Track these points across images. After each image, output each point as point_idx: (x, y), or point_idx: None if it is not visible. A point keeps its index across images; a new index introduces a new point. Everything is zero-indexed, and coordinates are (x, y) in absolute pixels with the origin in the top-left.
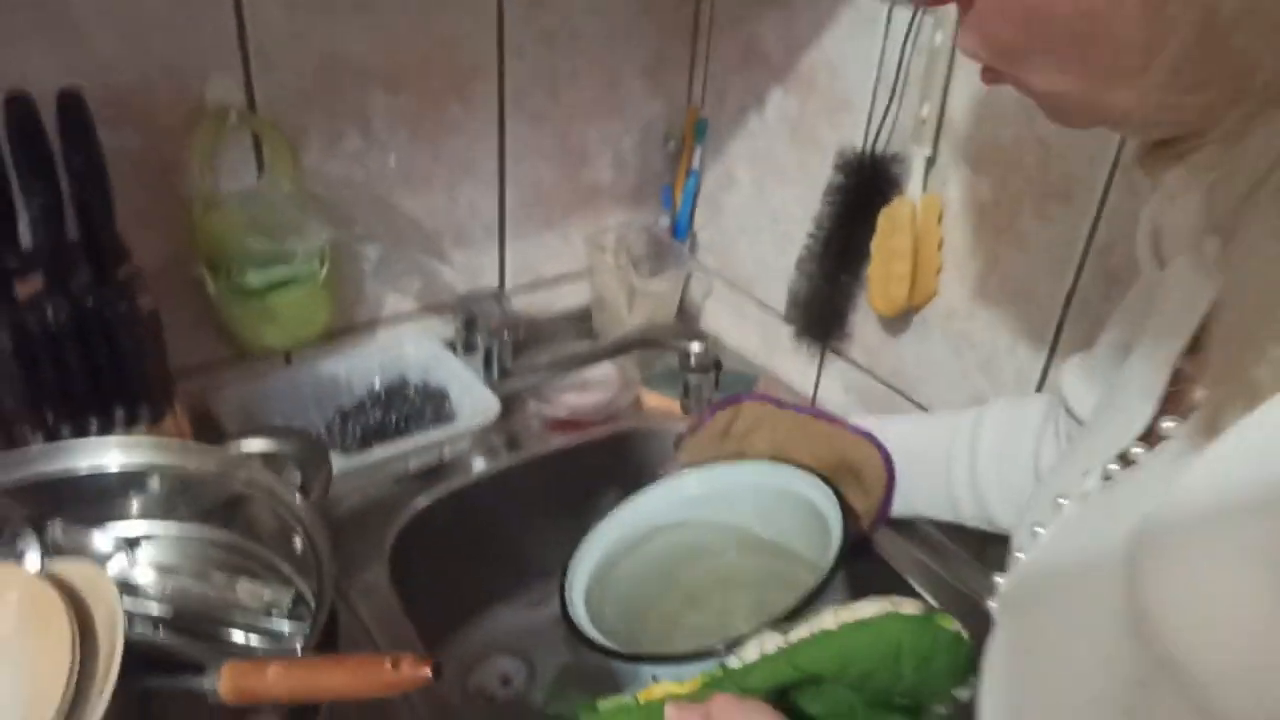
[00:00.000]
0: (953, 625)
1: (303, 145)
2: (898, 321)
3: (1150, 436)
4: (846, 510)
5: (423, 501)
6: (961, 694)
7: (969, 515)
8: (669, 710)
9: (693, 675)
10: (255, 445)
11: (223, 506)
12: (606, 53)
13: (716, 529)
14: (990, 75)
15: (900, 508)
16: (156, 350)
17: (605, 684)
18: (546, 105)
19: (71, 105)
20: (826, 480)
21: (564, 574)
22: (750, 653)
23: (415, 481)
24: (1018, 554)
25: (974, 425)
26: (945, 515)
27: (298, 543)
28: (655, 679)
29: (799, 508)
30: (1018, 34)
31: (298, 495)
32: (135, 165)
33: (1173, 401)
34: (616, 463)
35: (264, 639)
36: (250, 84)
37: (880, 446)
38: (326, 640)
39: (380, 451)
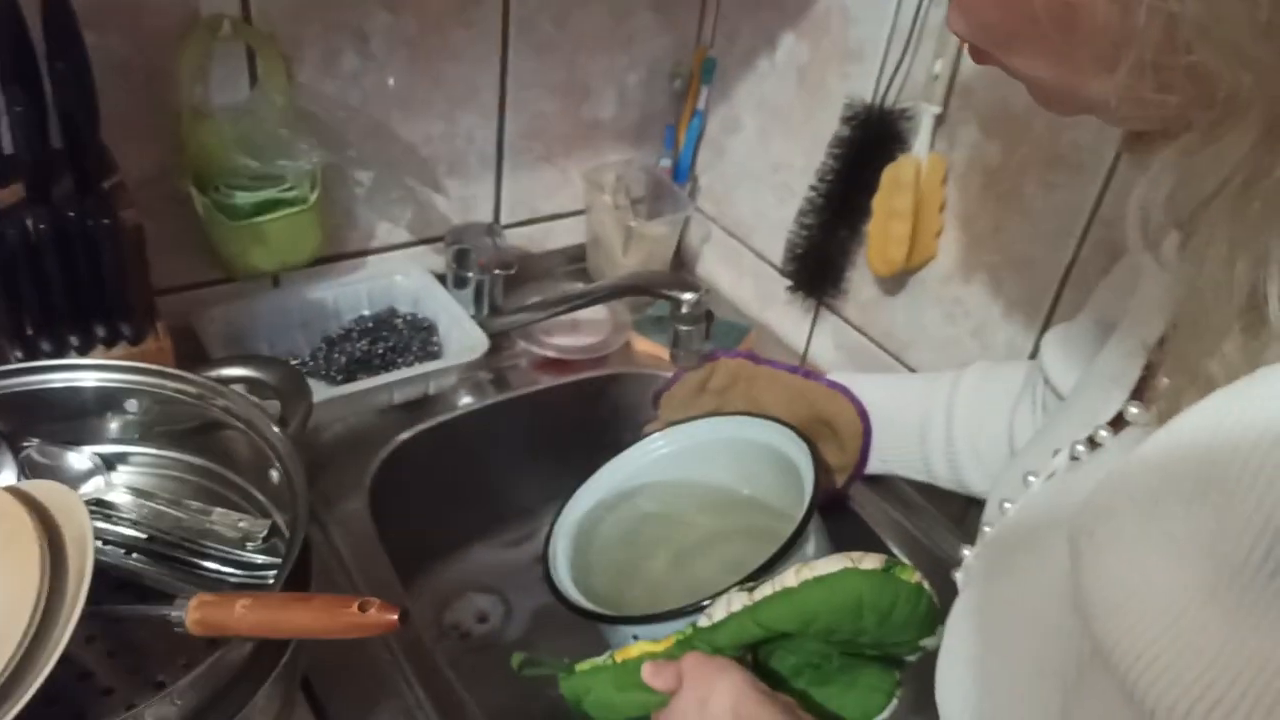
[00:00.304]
0: (913, 577)
1: (298, 61)
2: (893, 282)
3: (1118, 421)
4: (819, 465)
5: (405, 434)
6: (929, 643)
7: (943, 478)
8: (645, 668)
9: (668, 634)
10: (235, 372)
11: (201, 433)
12: None
13: (695, 487)
14: (977, 55)
15: (876, 465)
16: (139, 266)
17: (581, 628)
18: (552, 35)
19: (57, 7)
20: (800, 434)
21: (546, 540)
22: (719, 611)
23: (399, 413)
24: (985, 527)
25: (951, 388)
26: (919, 476)
27: (274, 475)
28: (635, 638)
29: (775, 461)
30: (1000, 16)
31: (275, 427)
32: (122, 73)
33: (1142, 388)
34: (602, 406)
35: (237, 569)
36: None
37: (856, 402)
38: (299, 575)
39: (365, 383)
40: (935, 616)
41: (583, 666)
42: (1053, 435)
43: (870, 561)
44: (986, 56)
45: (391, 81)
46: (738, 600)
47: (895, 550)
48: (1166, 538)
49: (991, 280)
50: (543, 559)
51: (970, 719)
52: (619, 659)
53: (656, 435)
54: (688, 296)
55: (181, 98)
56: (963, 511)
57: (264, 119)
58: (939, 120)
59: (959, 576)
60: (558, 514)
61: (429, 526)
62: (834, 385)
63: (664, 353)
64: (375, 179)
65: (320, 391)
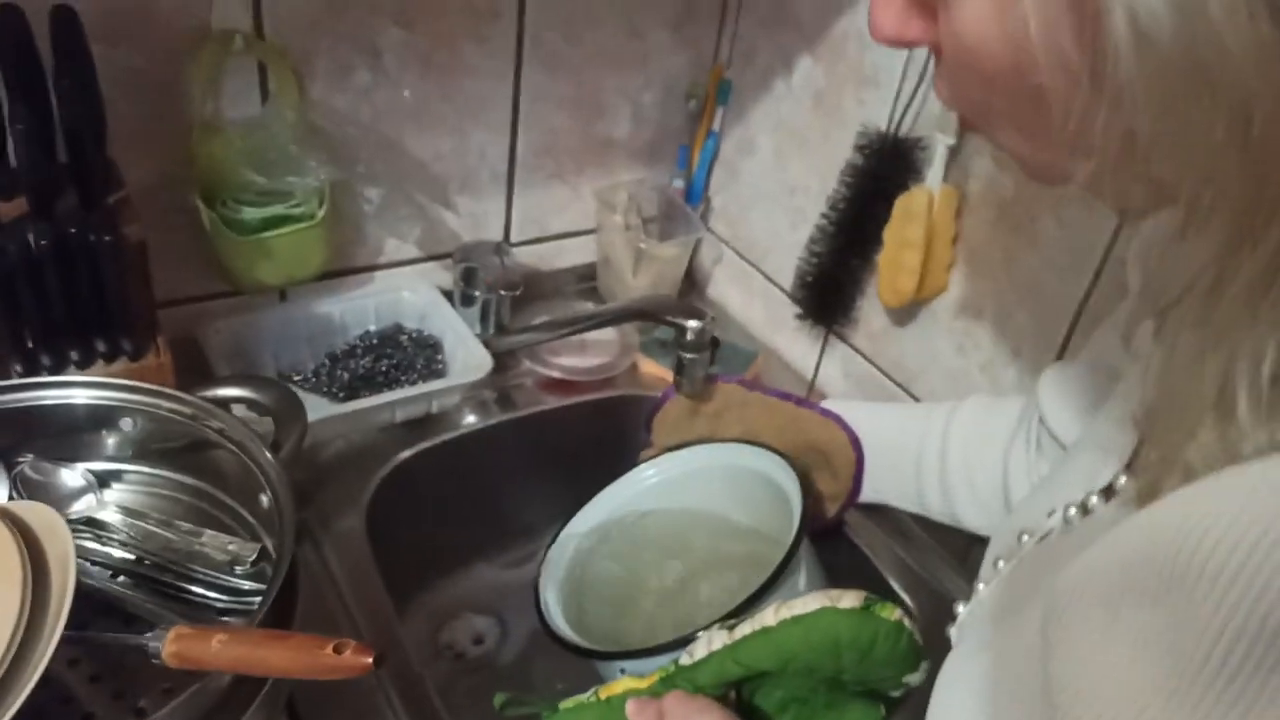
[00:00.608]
0: (892, 614)
1: (309, 76)
2: (904, 312)
3: (1110, 490)
4: (808, 495)
5: (405, 453)
6: (913, 679)
7: (936, 510)
8: (629, 706)
9: (654, 670)
10: (231, 392)
11: (195, 452)
12: (633, 1)
13: (690, 515)
14: (964, 123)
15: (869, 495)
16: (141, 283)
17: (573, 661)
18: (566, 52)
19: (64, 23)
20: (791, 463)
21: (537, 574)
22: (700, 649)
23: (401, 431)
24: (978, 584)
25: (947, 421)
26: (913, 507)
27: (264, 500)
28: (623, 672)
29: (768, 489)
30: (980, 93)
31: (268, 452)
32: (134, 84)
33: (1135, 459)
34: (607, 428)
35: (223, 594)
36: (259, 7)
37: (848, 430)
38: (283, 603)
39: (366, 401)
40: (918, 653)
41: (567, 704)
42: (1049, 493)
43: (849, 600)
44: (973, 125)
45: (404, 96)
46: (718, 639)
47: (893, 583)
48: (1131, 632)
49: (1002, 315)
50: (533, 591)
51: None
52: (603, 696)
53: (647, 465)
54: (693, 324)
55: (192, 111)
56: (965, 548)
57: (275, 134)
58: (953, 151)
59: (952, 633)
60: (549, 544)
61: (427, 545)
62: (826, 413)
63: (670, 375)
64: (385, 195)
65: (322, 408)
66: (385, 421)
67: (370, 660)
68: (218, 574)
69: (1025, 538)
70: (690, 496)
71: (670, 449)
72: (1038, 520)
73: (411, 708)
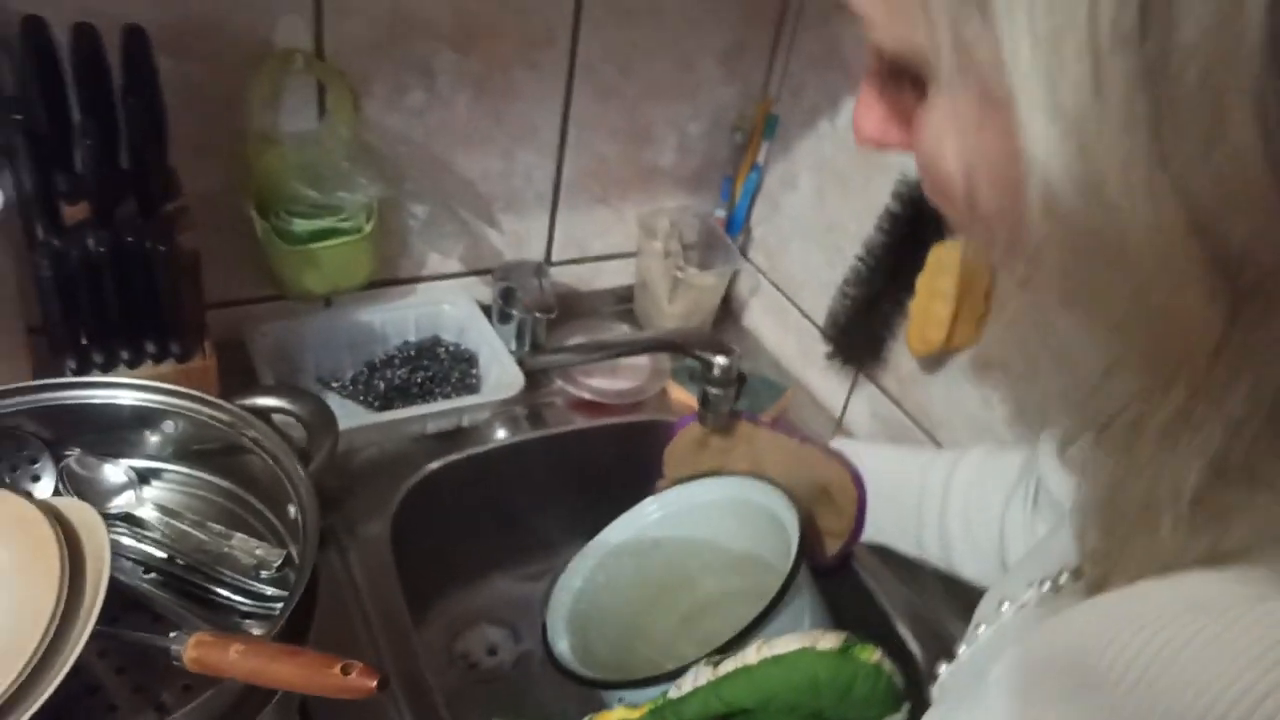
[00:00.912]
0: (871, 656)
1: (366, 95)
2: (933, 359)
3: (1079, 571)
4: (805, 532)
5: (435, 464)
6: (893, 719)
7: (934, 556)
8: None
9: (647, 700)
10: (269, 402)
11: (231, 456)
12: (685, 34)
13: (699, 546)
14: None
15: (871, 534)
16: (193, 290)
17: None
18: (616, 80)
19: (134, 40)
20: (791, 499)
21: (544, 603)
22: (686, 683)
23: (431, 442)
24: (962, 645)
25: (949, 470)
26: (912, 550)
27: (292, 510)
28: (621, 700)
29: (771, 523)
30: (938, 199)
31: (299, 465)
32: (198, 96)
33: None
34: (633, 452)
35: (247, 598)
36: (320, 29)
37: (852, 469)
38: (302, 614)
39: (399, 412)
40: (897, 695)
41: None
42: (1038, 562)
43: (828, 641)
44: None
45: (455, 118)
46: (704, 674)
47: (898, 625)
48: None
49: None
50: (540, 619)
51: None
52: None
53: (650, 500)
54: (720, 360)
55: (251, 124)
56: (975, 596)
57: (329, 150)
58: None
59: (934, 692)
60: (556, 576)
61: (450, 555)
62: (832, 451)
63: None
64: (431, 212)
65: (356, 417)
66: (417, 432)
67: (374, 684)
68: (243, 578)
69: (1005, 605)
70: (695, 529)
71: (679, 481)
72: (1018, 589)
73: (419, 716)
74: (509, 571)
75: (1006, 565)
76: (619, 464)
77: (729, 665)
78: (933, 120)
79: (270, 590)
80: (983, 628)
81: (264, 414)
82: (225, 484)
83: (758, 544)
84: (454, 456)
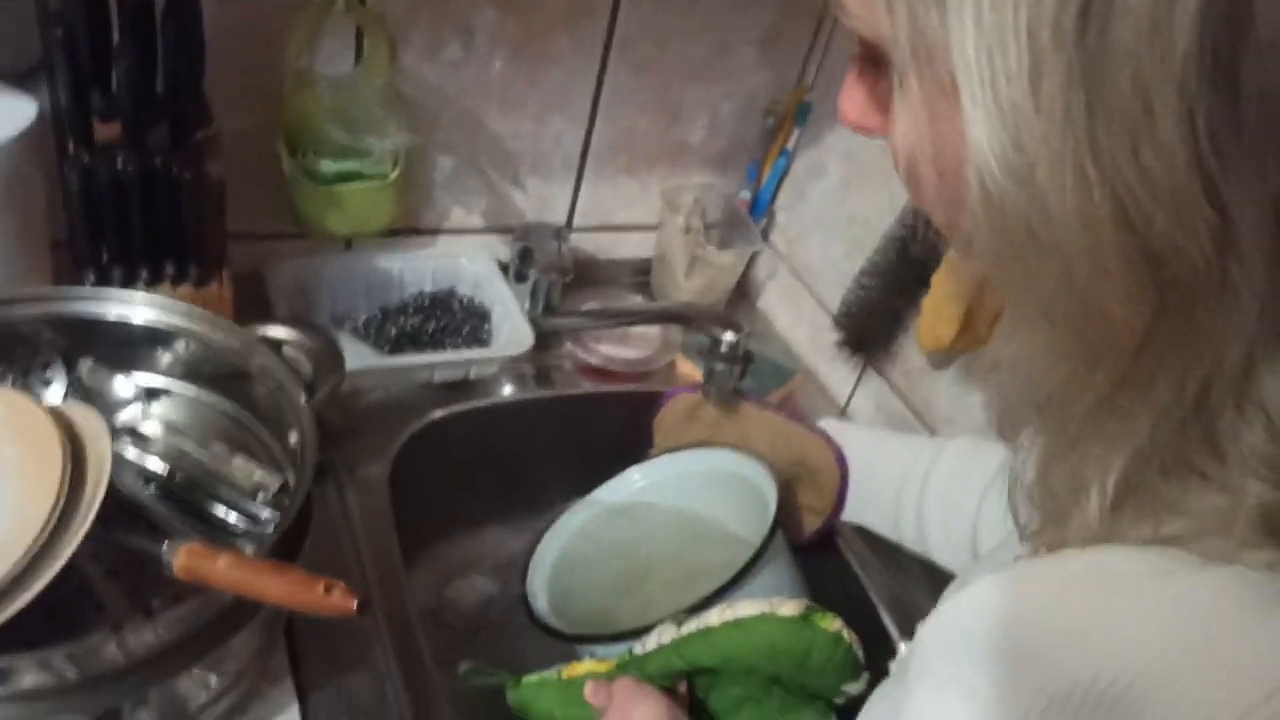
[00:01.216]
0: (831, 625)
1: (403, 44)
2: (942, 356)
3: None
4: (783, 504)
5: (439, 412)
6: (852, 688)
7: (910, 540)
8: (587, 687)
9: (615, 656)
10: (279, 333)
11: (237, 381)
12: (724, 18)
13: (676, 518)
14: None
15: (851, 515)
16: (216, 218)
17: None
18: (653, 56)
19: None
20: (772, 474)
21: (526, 562)
22: (651, 641)
23: (438, 391)
24: (921, 626)
25: (932, 459)
26: (889, 533)
27: (293, 438)
28: (592, 654)
29: (753, 497)
30: (909, 180)
31: (303, 395)
32: (238, 33)
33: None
34: (637, 421)
35: (243, 518)
36: None
37: (835, 449)
38: (292, 538)
39: (409, 358)
40: (856, 664)
41: (530, 679)
42: (1002, 552)
43: (789, 608)
44: None
45: (490, 77)
46: (667, 633)
47: (876, 602)
48: (968, 690)
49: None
50: (521, 578)
51: None
52: (565, 675)
53: (635, 469)
54: (728, 336)
55: (288, 64)
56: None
57: (362, 95)
58: None
59: (892, 667)
60: (544, 530)
61: (447, 503)
62: (817, 431)
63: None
64: (457, 165)
65: (367, 358)
66: (425, 380)
67: (354, 605)
68: (241, 498)
69: (964, 590)
70: (679, 498)
71: (666, 450)
72: (980, 576)
73: (401, 654)
74: (504, 525)
75: (978, 555)
76: (622, 431)
77: (692, 625)
78: (899, 107)
79: (266, 513)
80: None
81: (274, 344)
82: (230, 407)
83: (739, 517)
84: (459, 407)
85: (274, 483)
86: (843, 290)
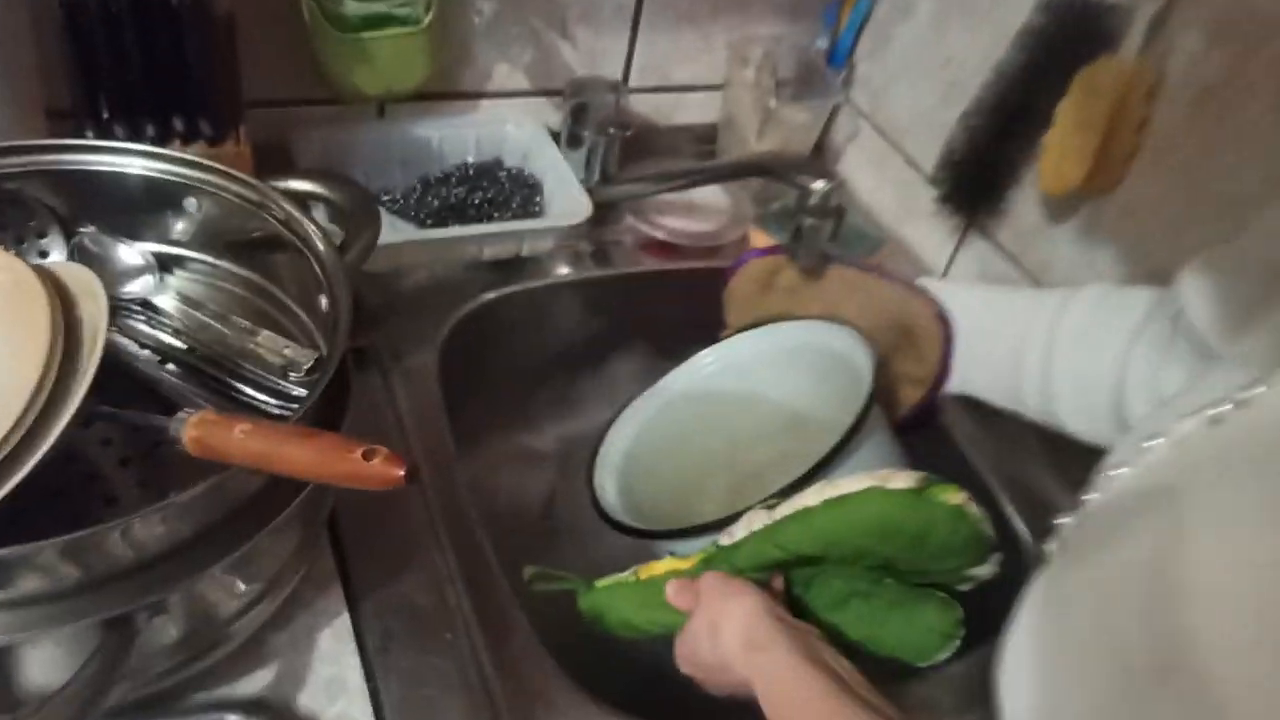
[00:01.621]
0: (952, 498)
1: None
2: (1064, 207)
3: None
4: (881, 373)
5: (490, 294)
6: (980, 572)
7: (1033, 409)
8: (669, 587)
9: (697, 551)
10: (303, 186)
11: (260, 248)
12: None
13: (755, 404)
14: None
15: (958, 384)
16: (227, 59)
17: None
18: None
19: None
20: (863, 339)
21: (593, 456)
22: (739, 530)
23: (487, 272)
24: (1090, 495)
25: (1057, 312)
26: (1006, 403)
27: (323, 301)
28: (671, 552)
29: (843, 372)
30: None
31: (332, 249)
32: None
33: None
34: (706, 301)
35: (274, 398)
36: None
37: (938, 309)
38: (330, 412)
39: (454, 230)
40: (984, 543)
41: (603, 583)
42: (1189, 399)
43: (901, 480)
44: None
45: None
46: (758, 519)
47: (994, 489)
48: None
49: (1185, 221)
50: (587, 471)
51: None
52: (643, 575)
53: (706, 352)
54: (818, 185)
55: None
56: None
57: None
58: (1157, 19)
59: (1052, 548)
60: (610, 421)
61: (500, 392)
62: (914, 289)
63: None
64: (498, 11)
65: (406, 232)
66: (472, 258)
67: (401, 472)
68: (270, 377)
69: (1155, 441)
70: (757, 382)
71: (741, 329)
72: (1166, 424)
73: (461, 554)
74: (564, 417)
75: (1125, 417)
76: (690, 313)
77: (786, 509)
78: None
79: (299, 391)
80: (1124, 470)
81: (299, 198)
82: (253, 277)
83: (828, 396)
84: (511, 288)
85: (307, 359)
86: (937, 144)
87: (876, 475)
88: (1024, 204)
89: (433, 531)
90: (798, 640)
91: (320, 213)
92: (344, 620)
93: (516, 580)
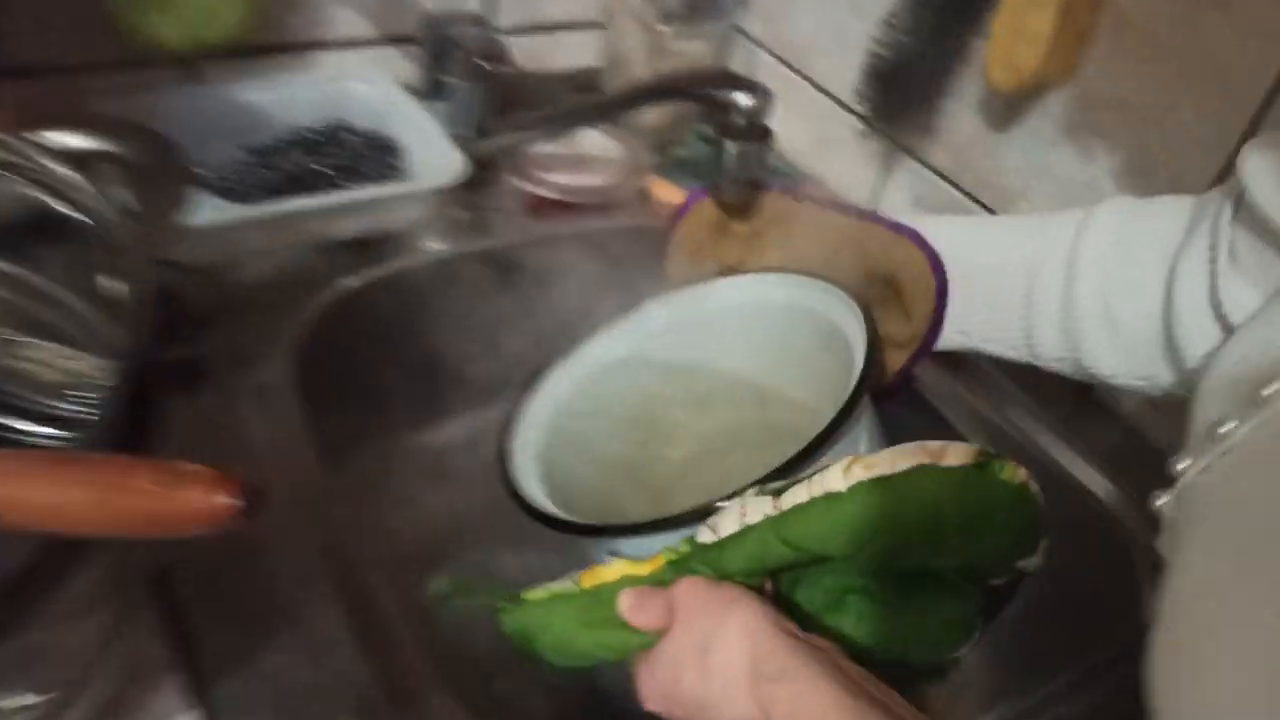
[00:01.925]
0: (1015, 475)
1: None
2: (1007, 112)
3: None
4: (874, 336)
5: (352, 281)
6: (1028, 564)
7: (1051, 355)
8: (624, 598)
9: (655, 552)
10: (75, 140)
11: (27, 230)
12: None
13: (712, 372)
14: None
15: (954, 339)
16: None
17: (558, 546)
18: None
19: None
20: (851, 296)
21: (507, 430)
22: (728, 523)
23: (344, 253)
24: (1183, 462)
25: (1076, 235)
26: (1015, 353)
27: (111, 288)
28: (614, 554)
29: (815, 335)
30: None
31: (124, 219)
32: None
33: None
34: (610, 268)
35: (47, 427)
36: None
37: (928, 251)
38: (131, 439)
39: (298, 202)
40: (1039, 530)
41: (535, 594)
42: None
43: (955, 455)
44: None
45: None
46: (756, 508)
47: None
48: None
49: (1157, 101)
50: (499, 451)
51: None
52: (587, 584)
53: (656, 303)
54: (743, 100)
55: None
56: (1070, 398)
57: None
58: None
59: (1163, 515)
60: (523, 396)
61: (373, 402)
62: (899, 228)
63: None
64: None
65: (236, 211)
66: (324, 238)
67: (232, 500)
68: (44, 399)
69: (1268, 390)
70: (712, 346)
71: (681, 287)
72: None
73: (349, 602)
74: (451, 420)
75: (1178, 348)
76: (589, 282)
77: (800, 494)
78: None
79: (88, 412)
80: (1233, 425)
81: (73, 160)
82: (16, 271)
83: (796, 365)
84: (378, 272)
85: (96, 369)
86: (849, 66)
87: (923, 448)
88: (959, 117)
89: (307, 582)
90: (823, 662)
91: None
92: None
93: (414, 623)
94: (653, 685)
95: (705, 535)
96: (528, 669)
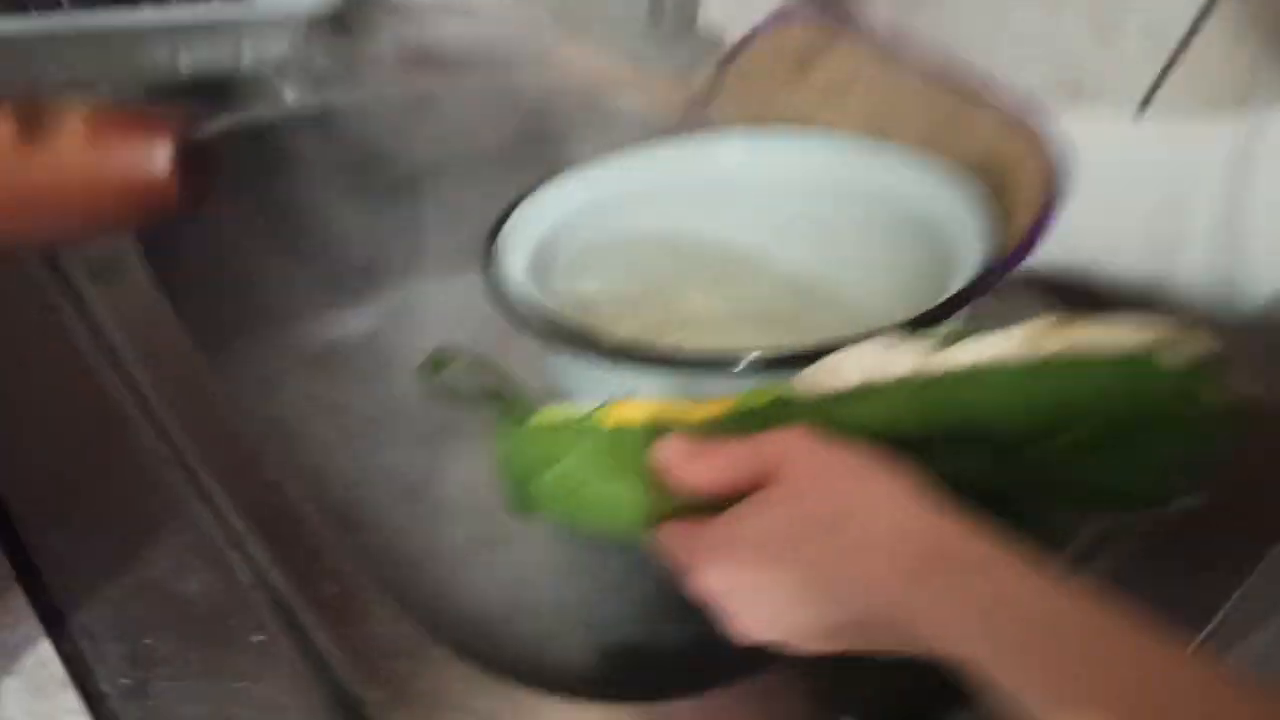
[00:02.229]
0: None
1: None
2: None
3: None
4: (998, 226)
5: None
6: (1187, 502)
7: (1195, 281)
8: (672, 448)
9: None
10: None
11: None
12: None
13: (757, 232)
14: None
15: (1061, 251)
16: None
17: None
18: None
19: None
20: (964, 183)
21: (490, 243)
22: (848, 368)
23: (186, 100)
24: None
25: (1253, 131)
26: (1146, 267)
27: None
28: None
29: (906, 227)
30: None
31: None
32: None
33: None
34: (504, 132)
35: None
36: None
37: (1055, 156)
38: None
39: (118, 16)
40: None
41: (550, 417)
42: None
43: (1191, 344)
44: None
45: None
46: (899, 355)
47: None
48: None
49: None
50: (486, 254)
51: None
52: (611, 422)
53: (734, 134)
54: None
55: None
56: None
57: None
58: None
59: None
60: (513, 206)
61: (242, 286)
62: (1018, 114)
63: (622, 71)
64: None
65: (34, 22)
66: (160, 74)
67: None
68: None
69: None
70: (762, 209)
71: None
72: None
73: (248, 499)
74: (329, 303)
75: None
76: (482, 150)
77: (967, 351)
78: None
79: None
80: None
81: None
82: None
83: (855, 255)
84: (226, 123)
85: None
86: None
87: (1149, 325)
88: None
89: (193, 485)
90: (1017, 554)
91: None
92: (41, 655)
93: (347, 518)
94: (725, 572)
95: (803, 384)
96: (477, 554)
